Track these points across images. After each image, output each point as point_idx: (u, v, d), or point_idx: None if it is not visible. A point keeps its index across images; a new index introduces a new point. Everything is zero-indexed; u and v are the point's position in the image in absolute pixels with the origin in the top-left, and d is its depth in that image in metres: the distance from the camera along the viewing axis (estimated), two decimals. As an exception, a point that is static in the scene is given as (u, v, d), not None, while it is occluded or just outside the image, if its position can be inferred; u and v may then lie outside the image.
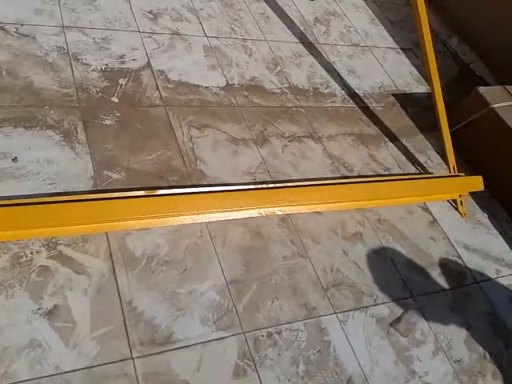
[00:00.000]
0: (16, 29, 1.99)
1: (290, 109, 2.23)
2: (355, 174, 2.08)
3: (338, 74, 2.52)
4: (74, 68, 1.95)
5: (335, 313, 1.65)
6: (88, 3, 2.25)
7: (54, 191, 1.56)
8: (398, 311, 1.76)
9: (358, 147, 2.22)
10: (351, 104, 2.41)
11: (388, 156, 2.24)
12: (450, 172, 2.22)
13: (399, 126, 2.42)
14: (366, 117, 2.39)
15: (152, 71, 2.10)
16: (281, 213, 1.74)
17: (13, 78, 1.81)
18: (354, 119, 2.34)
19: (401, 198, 2.01)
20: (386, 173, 2.16)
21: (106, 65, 2.03)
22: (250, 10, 2.65)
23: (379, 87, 2.56)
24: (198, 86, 2.13)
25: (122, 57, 2.09)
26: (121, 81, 2.00)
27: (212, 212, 1.65)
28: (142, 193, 1.60)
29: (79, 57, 2.00)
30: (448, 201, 2.21)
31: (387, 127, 2.38)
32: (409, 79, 2.71)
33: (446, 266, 1.98)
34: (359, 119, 2.35)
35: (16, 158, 1.58)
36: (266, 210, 1.70)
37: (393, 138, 2.35)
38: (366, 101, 2.46)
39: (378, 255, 1.87)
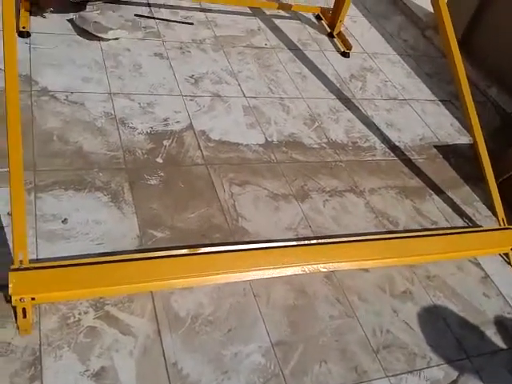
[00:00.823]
0: (66, 96, 2.11)
1: (329, 163, 2.23)
2: (401, 228, 2.03)
3: (377, 128, 2.52)
4: (121, 132, 2.03)
5: (387, 376, 1.56)
6: (133, 70, 2.37)
7: (102, 251, 1.59)
8: (454, 374, 1.66)
9: (403, 200, 2.18)
10: (392, 157, 2.39)
11: (434, 209, 2.18)
12: (500, 225, 2.14)
13: (443, 177, 2.37)
14: (408, 169, 2.36)
15: (194, 132, 2.16)
16: (325, 270, 1.70)
17: (64, 143, 1.90)
18: (396, 172, 2.31)
19: (450, 252, 1.93)
20: (433, 226, 2.10)
21: (151, 128, 2.11)
22: (287, 70, 2.73)
23: (420, 139, 2.55)
24: (238, 144, 2.18)
25: (165, 120, 2.17)
26: (165, 142, 2.06)
27: (255, 270, 1.63)
28: (185, 251, 1.61)
29: (126, 121, 2.09)
30: (500, 255, 2.11)
31: (431, 179, 2.33)
32: (450, 130, 2.68)
33: (501, 323, 1.86)
34: (401, 172, 2.32)
35: (66, 219, 1.63)
36: (309, 266, 1.67)
37: (438, 191, 2.29)
38: (407, 153, 2.44)
39: (430, 314, 1.79)
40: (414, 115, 2.69)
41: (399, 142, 2.49)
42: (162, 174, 1.92)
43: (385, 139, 2.47)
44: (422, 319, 1.75)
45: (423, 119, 2.68)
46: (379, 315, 1.70)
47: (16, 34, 1.74)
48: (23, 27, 2.33)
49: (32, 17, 2.45)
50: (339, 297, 1.70)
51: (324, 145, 2.32)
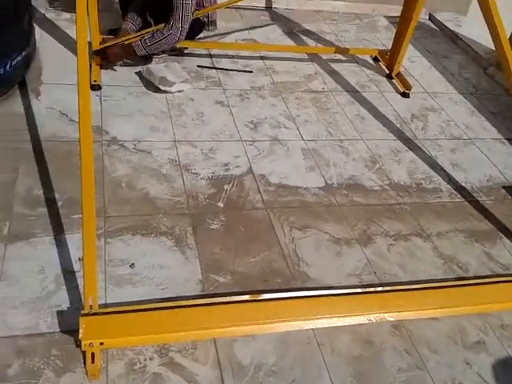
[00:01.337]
0: (134, 145, 2.21)
1: (392, 206, 2.18)
2: (471, 274, 1.93)
3: (442, 169, 2.45)
4: (184, 178, 2.09)
5: None
6: (196, 118, 2.46)
7: (166, 296, 1.61)
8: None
9: (472, 245, 2.08)
10: (459, 199, 2.30)
11: (506, 254, 2.06)
12: None
13: (513, 219, 2.26)
14: (476, 211, 2.25)
15: (254, 176, 2.19)
16: (392, 319, 1.63)
17: (132, 190, 1.98)
18: (463, 214, 2.22)
19: (526, 300, 1.81)
20: (506, 272, 1.98)
21: (213, 173, 2.16)
22: (345, 112, 2.73)
23: (487, 180, 2.44)
24: (298, 188, 2.18)
25: (226, 165, 2.22)
26: (226, 187, 2.10)
27: (318, 318, 1.58)
28: (247, 297, 1.60)
29: (189, 167, 2.16)
30: None
31: (501, 222, 2.22)
32: (519, 169, 2.56)
33: None
34: (469, 214, 2.23)
35: (133, 264, 1.68)
36: (375, 315, 1.60)
37: (509, 234, 2.17)
38: (474, 195, 2.34)
39: (505, 366, 1.66)
40: (479, 155, 2.60)
41: (466, 182, 2.40)
42: (223, 218, 1.95)
43: (450, 180, 2.39)
44: (496, 371, 1.63)
45: (490, 159, 2.58)
46: (451, 367, 1.60)
47: (89, 91, 1.85)
48: (94, 81, 2.49)
49: (102, 70, 2.63)
50: (408, 347, 1.62)
51: (386, 187, 2.27)
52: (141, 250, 1.74)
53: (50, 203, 1.85)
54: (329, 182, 2.24)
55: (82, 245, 1.48)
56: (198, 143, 2.31)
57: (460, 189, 2.36)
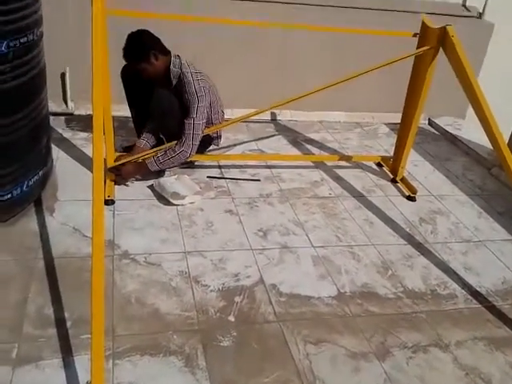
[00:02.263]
0: (145, 258, 2.23)
1: (408, 315, 2.12)
2: (496, 387, 1.83)
3: (455, 273, 2.41)
4: (194, 290, 2.08)
5: None
6: (206, 228, 2.50)
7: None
8: None
9: (493, 353, 1.98)
10: (475, 304, 2.24)
11: (532, 368, 1.96)
12: None
13: (535, 326, 2.17)
14: (493, 317, 2.18)
15: (265, 286, 2.17)
16: None
17: (141, 306, 1.96)
18: (481, 321, 2.15)
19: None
20: (534, 384, 1.87)
21: (223, 284, 2.14)
22: (353, 217, 2.76)
23: (502, 283, 2.39)
24: (310, 298, 2.14)
25: (236, 275, 2.21)
26: (236, 299, 2.07)
27: None
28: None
29: (199, 279, 2.15)
30: None
31: (521, 328, 2.14)
32: (534, 271, 2.52)
33: None
34: (487, 320, 2.15)
35: (141, 389, 1.61)
36: None
37: (532, 342, 2.09)
38: (490, 299, 2.28)
39: None
40: (491, 257, 2.57)
41: (480, 287, 2.35)
42: (234, 333, 1.90)
43: (465, 285, 2.35)
44: None
45: (502, 261, 2.55)
46: None
47: (103, 205, 1.91)
48: (108, 196, 2.57)
49: (116, 186, 2.72)
50: None
51: (400, 294, 2.23)
52: (150, 372, 1.68)
53: (60, 323, 1.83)
54: (341, 291, 2.20)
55: (91, 369, 1.44)
56: (208, 253, 2.32)
57: (475, 293, 2.30)
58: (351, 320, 2.05)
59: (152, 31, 2.70)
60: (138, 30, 2.67)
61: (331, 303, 2.13)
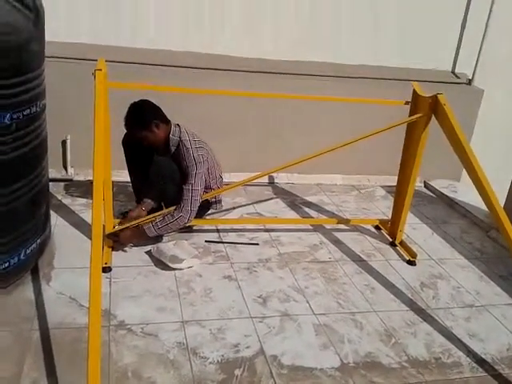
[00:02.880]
0: (142, 328, 2.18)
1: (414, 386, 2.06)
2: None
3: (459, 340, 2.36)
4: (192, 363, 2.01)
5: None
6: (205, 295, 2.46)
7: None
8: None
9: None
10: (481, 372, 2.18)
11: None
12: None
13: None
14: (501, 387, 2.12)
15: (265, 357, 2.11)
16: None
17: (137, 380, 1.89)
18: (488, 392, 2.08)
19: None
20: None
21: (222, 356, 2.08)
22: (354, 282, 2.73)
23: (507, 349, 2.33)
24: (312, 369, 2.08)
25: (236, 346, 2.15)
26: (236, 371, 2.01)
27: None
28: None
29: (197, 350, 2.09)
30: None
31: (532, 399, 2.07)
32: (539, 337, 2.46)
33: None
34: (495, 392, 2.09)
35: None
36: None
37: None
38: (496, 367, 2.21)
39: None
40: (495, 322, 2.53)
41: (485, 354, 2.29)
42: (236, 412, 1.83)
43: (470, 352, 2.29)
44: None
45: (506, 326, 2.50)
46: None
47: (101, 274, 1.88)
48: (105, 263, 2.55)
49: (114, 252, 2.70)
50: None
51: (405, 363, 2.17)
52: None
53: (53, 400, 1.76)
54: (345, 361, 2.14)
55: None
56: (207, 322, 2.27)
57: (481, 361, 2.24)
58: (355, 393, 1.98)
59: (153, 101, 2.79)
60: (140, 100, 2.75)
61: (334, 375, 2.06)
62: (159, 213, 2.77)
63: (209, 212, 3.17)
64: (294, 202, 3.67)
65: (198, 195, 2.72)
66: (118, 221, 2.85)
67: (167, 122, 2.81)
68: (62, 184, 3.45)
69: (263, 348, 2.16)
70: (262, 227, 3.20)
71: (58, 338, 2.04)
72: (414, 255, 2.99)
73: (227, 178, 3.49)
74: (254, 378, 1.99)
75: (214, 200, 3.11)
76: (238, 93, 3.20)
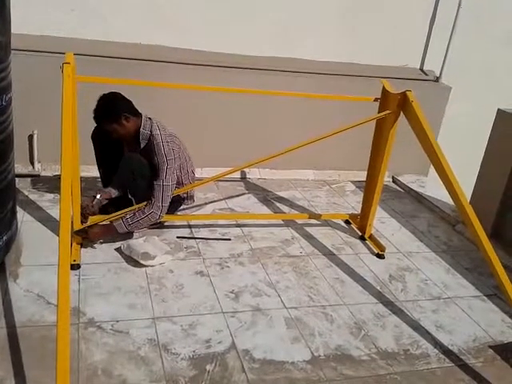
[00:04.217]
0: (112, 325, 2.15)
1: (383, 377, 2.09)
2: None
3: (427, 331, 2.41)
4: (163, 359, 2.00)
5: None
6: (176, 291, 2.45)
7: None
8: None
9: (469, 418, 1.97)
10: (448, 363, 2.23)
11: (507, 425, 1.95)
12: None
13: (508, 383, 2.17)
14: (467, 376, 2.17)
15: (237, 352, 2.11)
16: None
17: (108, 377, 1.87)
18: (455, 381, 2.13)
19: None
20: None
21: (194, 351, 2.08)
22: (324, 275, 2.76)
23: (473, 340, 2.40)
24: (284, 363, 2.09)
25: (207, 341, 2.15)
26: (208, 367, 2.01)
27: None
28: None
29: (168, 347, 2.08)
30: None
31: (494, 386, 2.14)
32: (502, 327, 2.54)
33: None
34: (461, 380, 2.14)
35: None
36: None
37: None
38: (462, 357, 2.28)
39: None
40: (461, 314, 2.60)
41: (452, 345, 2.35)
42: (207, 403, 1.83)
43: (437, 343, 2.34)
44: None
45: (472, 317, 2.57)
46: None
47: (69, 271, 1.85)
48: (74, 260, 2.50)
49: (82, 248, 2.66)
50: None
51: (374, 355, 2.21)
52: None
53: (21, 399, 1.73)
54: (315, 354, 2.16)
55: None
56: (178, 318, 2.26)
57: (447, 352, 2.30)
58: (326, 385, 2.01)
59: (125, 95, 2.75)
60: (110, 92, 2.71)
61: (305, 368, 2.08)
62: (129, 208, 2.74)
63: (180, 208, 3.15)
64: (266, 197, 3.69)
65: (170, 191, 2.70)
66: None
67: (138, 114, 2.77)
68: (29, 179, 3.37)
69: (235, 343, 2.17)
70: (233, 222, 3.21)
71: (25, 337, 2.00)
72: (382, 249, 3.05)
73: (199, 173, 3.47)
74: (225, 372, 1.99)
75: (185, 195, 3.09)
76: (207, 88, 3.17)
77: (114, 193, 2.81)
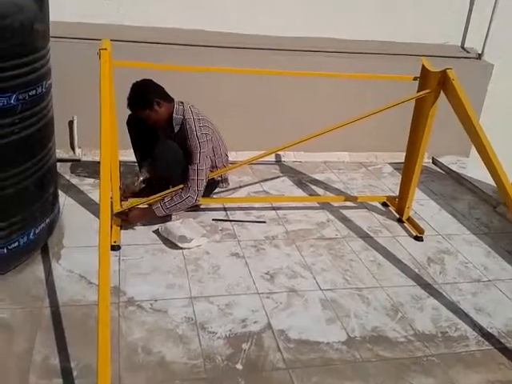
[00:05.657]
0: (151, 305, 2.21)
1: (420, 359, 2.07)
2: None
3: (466, 314, 2.37)
4: (201, 338, 2.05)
5: None
6: (212, 272, 2.49)
7: None
8: None
9: (509, 399, 1.93)
10: (487, 346, 2.19)
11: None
12: None
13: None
14: (507, 359, 2.12)
15: (273, 332, 2.14)
16: None
17: (147, 354, 1.93)
18: (494, 364, 2.09)
19: None
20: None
21: (230, 330, 2.11)
22: (361, 258, 2.74)
23: (514, 323, 2.35)
24: (319, 343, 2.11)
25: (244, 320, 2.18)
26: (244, 346, 2.04)
27: None
28: None
29: (206, 325, 2.12)
30: None
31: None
32: (546, 312, 2.47)
33: None
34: (501, 363, 2.10)
35: None
36: None
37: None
38: (502, 341, 2.23)
39: None
40: (502, 297, 2.53)
41: (492, 328, 2.30)
42: (242, 382, 1.86)
43: (476, 326, 2.30)
44: None
45: (513, 301, 2.52)
46: None
47: (110, 252, 1.91)
48: (114, 241, 2.58)
49: (122, 230, 2.73)
50: None
51: (411, 337, 2.19)
52: (156, 424, 1.65)
53: (66, 373, 1.81)
54: (351, 336, 2.16)
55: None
56: (215, 298, 2.30)
57: (487, 335, 2.26)
58: (361, 365, 2.01)
59: (157, 81, 2.78)
60: (142, 80, 2.75)
61: (341, 348, 2.09)
62: (167, 191, 2.79)
63: (215, 191, 3.18)
64: (301, 180, 3.67)
65: (204, 175, 2.73)
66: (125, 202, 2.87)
67: (170, 100, 2.80)
68: (70, 164, 3.47)
69: (270, 323, 2.19)
70: (268, 205, 3.21)
71: (68, 315, 2.09)
72: (421, 231, 3.00)
73: (233, 156, 3.49)
74: (261, 351, 2.02)
75: (220, 179, 3.12)
76: (242, 70, 3.17)
77: (144, 174, 2.89)
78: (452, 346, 2.17)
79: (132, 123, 2.92)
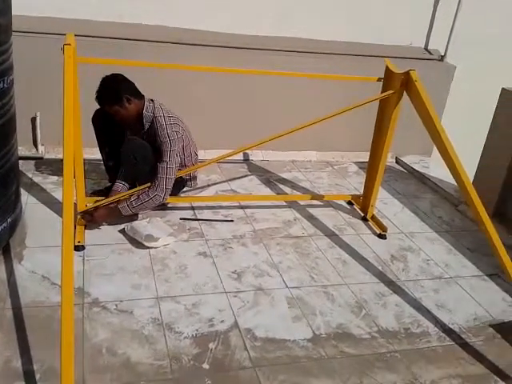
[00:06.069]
0: (116, 305, 2.19)
1: (383, 355, 2.12)
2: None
3: (428, 311, 2.44)
4: (167, 338, 2.04)
5: None
6: (179, 272, 2.48)
7: None
8: None
9: (467, 392, 2.00)
10: (448, 341, 2.26)
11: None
12: None
13: (507, 361, 2.19)
14: (467, 354, 2.20)
15: (239, 330, 2.14)
16: None
17: (112, 356, 1.91)
18: (455, 358, 2.16)
19: None
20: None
21: (197, 330, 2.11)
22: (326, 256, 2.78)
23: (474, 319, 2.43)
24: (285, 341, 2.13)
25: (210, 320, 2.18)
26: (210, 345, 2.04)
27: None
28: None
29: (172, 325, 2.11)
30: None
31: (494, 364, 2.15)
32: (503, 306, 2.56)
33: None
34: (461, 358, 2.17)
35: None
36: None
37: (503, 376, 2.10)
38: (463, 336, 2.30)
39: None
40: (462, 293, 2.62)
41: (453, 324, 2.37)
42: (209, 381, 1.86)
43: (437, 322, 2.37)
44: None
45: (473, 297, 2.59)
46: None
47: (73, 252, 1.87)
48: (78, 241, 2.53)
49: (86, 230, 2.68)
50: None
51: (375, 334, 2.23)
52: (121, 426, 1.63)
53: (29, 376, 1.77)
54: (317, 333, 2.19)
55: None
56: (181, 298, 2.29)
57: (448, 331, 2.33)
58: (327, 362, 2.04)
59: (127, 76, 2.74)
60: (112, 74, 2.70)
61: (307, 346, 2.11)
62: (133, 190, 2.76)
63: (183, 189, 3.16)
64: (269, 178, 3.69)
65: (173, 173, 2.71)
66: (89, 199, 2.82)
67: (140, 96, 2.77)
68: (33, 162, 3.39)
69: (237, 322, 2.20)
70: (236, 204, 3.22)
71: (31, 317, 2.04)
72: (384, 229, 3.06)
73: (201, 155, 3.47)
74: (228, 350, 2.03)
75: (188, 177, 3.10)
76: (212, 68, 3.16)
77: (122, 187, 2.81)
78: (414, 342, 2.23)
79: (98, 120, 2.86)
